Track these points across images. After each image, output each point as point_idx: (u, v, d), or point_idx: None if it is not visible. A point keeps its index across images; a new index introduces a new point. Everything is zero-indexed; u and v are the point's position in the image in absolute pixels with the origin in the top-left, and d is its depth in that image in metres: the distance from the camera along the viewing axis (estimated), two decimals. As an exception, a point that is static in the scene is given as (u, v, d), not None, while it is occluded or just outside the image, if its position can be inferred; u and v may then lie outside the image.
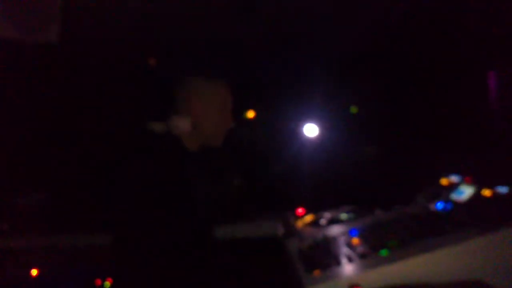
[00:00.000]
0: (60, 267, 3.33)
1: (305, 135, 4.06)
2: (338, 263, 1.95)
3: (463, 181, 2.29)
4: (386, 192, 3.51)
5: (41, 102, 4.00)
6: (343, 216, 2.97)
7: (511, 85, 3.59)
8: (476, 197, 2.09)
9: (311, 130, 4.04)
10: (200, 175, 2.26)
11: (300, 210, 3.11)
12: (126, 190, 2.21)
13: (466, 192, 2.18)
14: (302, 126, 4.08)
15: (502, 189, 1.97)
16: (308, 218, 3.03)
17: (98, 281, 3.28)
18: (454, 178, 2.39)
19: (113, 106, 4.12)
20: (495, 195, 1.98)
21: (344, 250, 2.07)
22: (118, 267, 2.21)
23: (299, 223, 2.95)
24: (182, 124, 2.26)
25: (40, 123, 4.04)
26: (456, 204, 2.17)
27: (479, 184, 2.14)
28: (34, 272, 3.28)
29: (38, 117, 4.01)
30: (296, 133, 4.11)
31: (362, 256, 1.96)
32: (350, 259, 1.95)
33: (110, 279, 3.24)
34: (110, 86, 4.12)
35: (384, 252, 1.95)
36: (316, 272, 1.92)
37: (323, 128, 4.12)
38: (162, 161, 2.20)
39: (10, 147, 3.76)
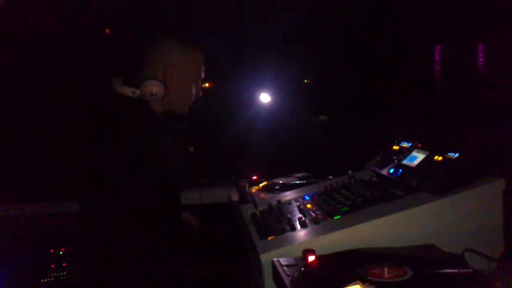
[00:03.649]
0: (13, 236, 3.25)
1: (259, 104, 4.05)
2: (292, 228, 1.95)
3: (414, 147, 2.31)
4: (337, 158, 3.55)
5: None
6: (297, 182, 3.00)
7: (455, 57, 3.67)
8: (427, 162, 2.12)
9: (265, 98, 4.03)
10: (164, 138, 2.22)
11: (254, 177, 3.12)
12: (90, 153, 2.14)
13: (417, 157, 2.21)
14: (256, 95, 4.07)
15: (453, 155, 2.00)
16: (262, 184, 3.04)
17: (52, 250, 3.23)
18: (405, 145, 2.41)
19: (73, 70, 4.00)
20: (446, 160, 2.01)
21: (298, 216, 2.07)
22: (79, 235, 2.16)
23: (253, 189, 2.96)
24: (154, 90, 2.19)
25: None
26: (408, 169, 2.20)
27: (430, 150, 2.17)
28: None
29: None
30: (250, 102, 4.10)
31: (316, 221, 1.97)
32: (303, 225, 1.96)
33: (64, 248, 3.20)
34: (70, 51, 3.99)
35: (337, 217, 1.97)
36: (270, 238, 1.93)
37: (276, 97, 4.12)
38: (130, 123, 2.13)
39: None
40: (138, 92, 2.18)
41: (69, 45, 3.95)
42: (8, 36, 3.73)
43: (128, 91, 2.18)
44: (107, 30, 4.43)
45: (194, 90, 2.34)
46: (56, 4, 3.83)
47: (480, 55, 3.57)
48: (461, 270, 1.48)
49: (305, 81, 4.74)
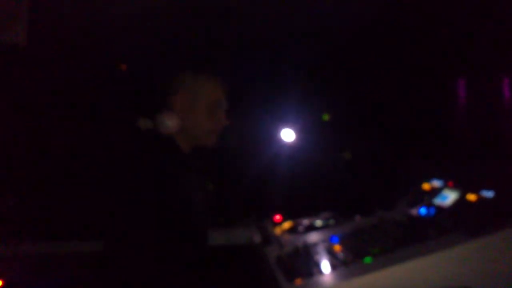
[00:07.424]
0: (28, 277, 3.19)
1: (281, 141, 3.99)
2: (320, 271, 1.88)
3: (446, 186, 2.24)
4: (366, 197, 3.47)
5: (10, 104, 3.84)
6: (322, 222, 2.92)
7: (482, 92, 3.61)
8: (460, 202, 2.05)
9: (288, 135, 3.97)
10: (194, 178, 2.13)
11: (277, 217, 3.04)
12: (114, 191, 2.07)
13: (449, 196, 2.14)
14: (279, 131, 4.01)
15: (487, 193, 1.92)
16: (286, 225, 2.96)
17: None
18: (436, 183, 2.34)
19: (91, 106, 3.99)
20: (480, 200, 1.94)
21: (326, 258, 2.00)
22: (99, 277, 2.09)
23: (277, 230, 2.88)
24: (169, 122, 2.09)
25: (9, 124, 3.87)
26: (440, 209, 2.12)
27: (462, 188, 2.09)
28: (-1, 283, 3.14)
29: (7, 118, 3.85)
30: (272, 139, 4.04)
31: (345, 263, 1.89)
32: (332, 267, 1.88)
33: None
34: (87, 87, 3.99)
35: (367, 260, 1.89)
36: (298, 281, 1.85)
37: (299, 133, 4.06)
38: (155, 161, 2.05)
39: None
40: (151, 124, 2.11)
41: (88, 82, 3.97)
42: (32, 75, 3.76)
43: (144, 124, 2.13)
44: (124, 66, 4.42)
45: (215, 119, 2.20)
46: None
47: (506, 89, 3.51)
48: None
49: (325, 117, 4.68)
